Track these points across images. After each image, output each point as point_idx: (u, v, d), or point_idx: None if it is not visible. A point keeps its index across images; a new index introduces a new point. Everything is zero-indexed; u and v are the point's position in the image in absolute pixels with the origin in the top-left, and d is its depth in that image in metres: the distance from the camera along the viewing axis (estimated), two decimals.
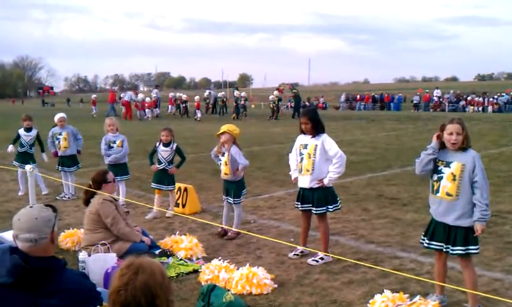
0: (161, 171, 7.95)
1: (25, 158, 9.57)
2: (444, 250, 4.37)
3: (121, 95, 38.47)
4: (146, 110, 34.98)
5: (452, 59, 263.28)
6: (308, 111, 6.25)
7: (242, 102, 34.59)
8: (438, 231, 4.41)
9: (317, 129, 5.73)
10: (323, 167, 5.65)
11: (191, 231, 6.86)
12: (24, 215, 2.57)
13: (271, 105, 33.26)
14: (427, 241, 4.52)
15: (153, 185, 8.04)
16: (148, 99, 35.64)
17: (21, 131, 9.74)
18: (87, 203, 6.02)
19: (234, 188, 6.75)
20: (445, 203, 4.34)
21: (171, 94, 42.15)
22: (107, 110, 36.26)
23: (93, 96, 46.72)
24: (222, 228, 6.80)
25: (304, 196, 5.81)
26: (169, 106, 40.51)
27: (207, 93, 41.79)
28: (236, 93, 35.54)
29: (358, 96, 52.60)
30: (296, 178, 5.92)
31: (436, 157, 4.42)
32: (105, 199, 5.87)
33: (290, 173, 6.06)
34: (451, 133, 4.32)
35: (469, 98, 44.90)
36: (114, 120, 8.83)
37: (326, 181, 5.65)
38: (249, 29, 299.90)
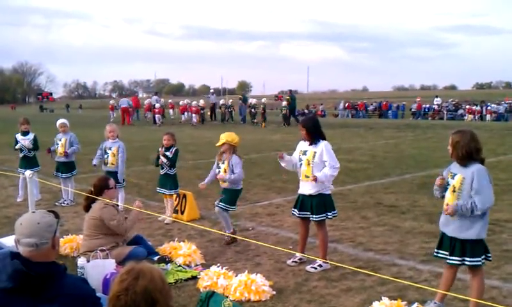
0: (164, 176, 8.04)
1: (27, 163, 9.56)
2: (445, 259, 4.41)
3: (119, 102, 38.65)
4: (157, 115, 35.41)
5: (451, 67, 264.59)
6: (304, 119, 6.28)
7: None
8: (444, 240, 4.45)
9: (313, 136, 5.75)
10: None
11: (190, 237, 6.87)
12: (25, 220, 2.59)
13: (284, 111, 33.24)
14: (436, 250, 4.56)
15: (158, 189, 8.18)
16: (157, 105, 36.22)
17: (18, 136, 9.70)
18: (87, 209, 6.03)
19: (229, 195, 6.77)
20: (445, 213, 4.39)
21: (186, 101, 42.00)
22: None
23: (111, 102, 47.24)
24: (227, 236, 6.78)
25: (304, 202, 5.82)
26: (185, 113, 40.41)
27: (211, 97, 41.41)
28: (264, 100, 35.96)
29: (347, 104, 52.73)
30: (282, 154, 5.95)
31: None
32: (106, 204, 5.90)
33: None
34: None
35: (467, 106, 45.06)
36: (114, 126, 8.83)
37: (318, 175, 5.58)
38: (249, 37, 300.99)
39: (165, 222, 7.85)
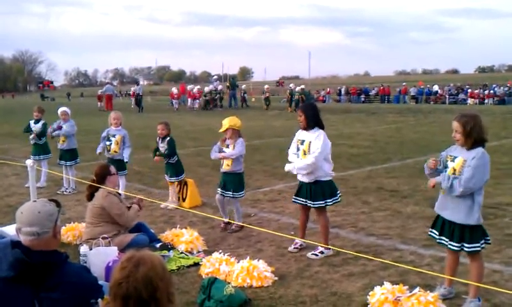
0: (166, 164, 8.16)
1: (37, 149, 9.78)
2: (446, 245, 4.38)
3: (101, 90, 39.60)
4: (174, 100, 37.52)
5: (453, 51, 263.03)
6: (303, 105, 6.22)
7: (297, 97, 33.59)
8: (441, 223, 4.43)
9: (310, 122, 5.68)
10: (319, 163, 5.62)
11: (192, 224, 6.89)
12: (26, 209, 2.58)
13: (297, 97, 33.14)
14: (430, 228, 4.56)
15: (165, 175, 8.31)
16: (175, 90, 38.67)
17: (32, 123, 9.87)
18: (90, 197, 6.04)
19: (234, 182, 6.74)
20: (443, 196, 4.39)
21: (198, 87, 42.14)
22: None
23: (99, 91, 47.53)
24: (223, 222, 6.81)
25: (302, 189, 5.81)
26: (189, 100, 40.47)
27: (214, 84, 41.36)
28: (292, 85, 36.19)
29: (328, 90, 52.72)
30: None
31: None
32: (109, 193, 5.91)
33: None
34: (453, 131, 4.32)
35: (469, 90, 44.94)
36: (119, 114, 8.89)
37: (287, 168, 5.79)
38: (248, 22, 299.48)
39: (167, 208, 7.90)
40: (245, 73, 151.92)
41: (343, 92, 53.25)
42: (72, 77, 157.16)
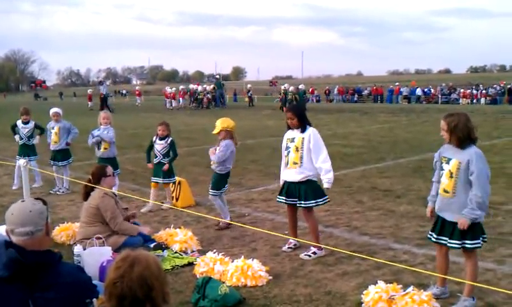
0: (157, 165, 8.00)
1: (25, 150, 9.66)
2: (446, 243, 4.38)
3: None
4: (172, 100, 38.43)
5: (445, 51, 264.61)
6: (292, 106, 6.25)
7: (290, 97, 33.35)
8: (444, 225, 4.42)
9: (303, 123, 5.69)
10: (311, 161, 5.64)
11: (186, 224, 6.88)
12: (17, 210, 2.56)
13: (290, 97, 33.15)
14: (430, 232, 4.55)
15: (152, 178, 8.10)
16: (169, 89, 40.09)
17: (19, 122, 9.77)
18: (86, 197, 6.01)
19: (215, 179, 6.83)
20: (443, 199, 4.39)
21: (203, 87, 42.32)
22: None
23: (89, 91, 47.67)
24: (223, 222, 6.79)
25: (290, 189, 5.76)
26: (180, 99, 40.49)
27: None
28: (286, 85, 36.39)
29: (311, 89, 52.74)
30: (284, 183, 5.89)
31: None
32: (105, 194, 5.88)
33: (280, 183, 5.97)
34: (441, 129, 4.37)
35: (462, 90, 45.21)
36: (109, 114, 8.89)
37: (326, 186, 5.65)
38: (242, 22, 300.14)
39: (161, 207, 7.85)
40: (238, 72, 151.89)
41: (335, 92, 53.30)
42: (64, 76, 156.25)
